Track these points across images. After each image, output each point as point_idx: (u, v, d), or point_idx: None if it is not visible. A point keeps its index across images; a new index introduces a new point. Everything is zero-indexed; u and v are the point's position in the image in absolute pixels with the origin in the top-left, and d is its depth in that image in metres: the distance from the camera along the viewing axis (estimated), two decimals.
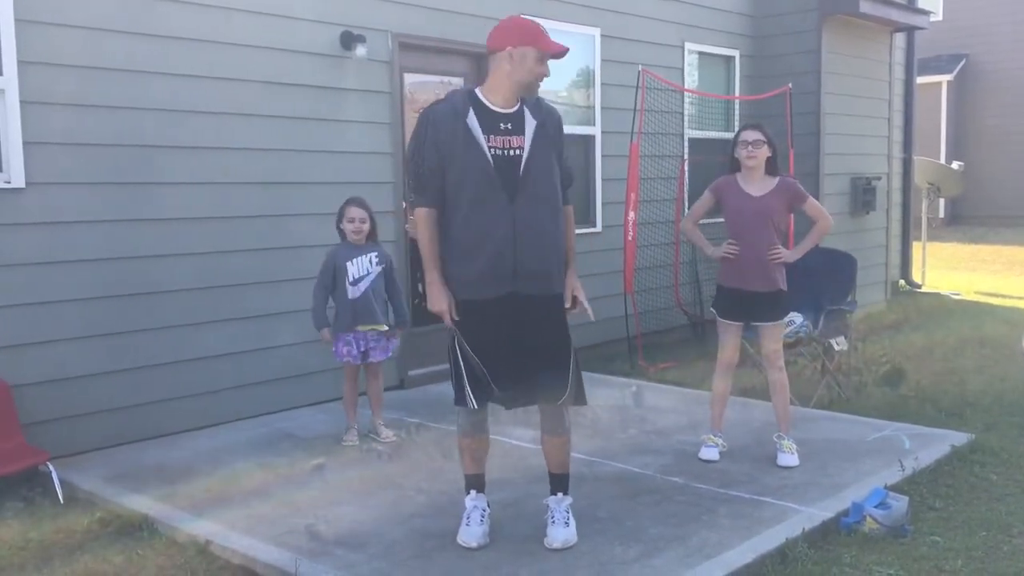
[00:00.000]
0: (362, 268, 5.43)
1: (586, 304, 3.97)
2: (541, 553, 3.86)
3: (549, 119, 3.87)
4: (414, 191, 3.90)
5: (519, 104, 3.83)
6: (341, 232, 5.50)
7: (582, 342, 3.99)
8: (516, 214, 3.73)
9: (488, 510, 4.05)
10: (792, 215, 5.51)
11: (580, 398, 3.97)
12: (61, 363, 5.22)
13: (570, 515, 3.99)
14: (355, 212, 5.43)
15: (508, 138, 3.75)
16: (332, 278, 5.44)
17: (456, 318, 3.80)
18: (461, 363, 3.87)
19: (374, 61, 6.55)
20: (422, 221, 3.86)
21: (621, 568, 3.71)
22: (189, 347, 5.74)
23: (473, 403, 3.88)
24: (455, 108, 3.77)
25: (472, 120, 3.74)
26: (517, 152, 3.75)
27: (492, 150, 3.73)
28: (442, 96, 3.94)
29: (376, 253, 5.49)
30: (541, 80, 3.84)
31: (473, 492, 4.06)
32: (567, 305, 3.94)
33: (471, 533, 3.94)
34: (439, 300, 3.82)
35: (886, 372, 7.17)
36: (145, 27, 5.47)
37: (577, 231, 4.08)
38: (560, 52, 3.84)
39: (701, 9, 9.20)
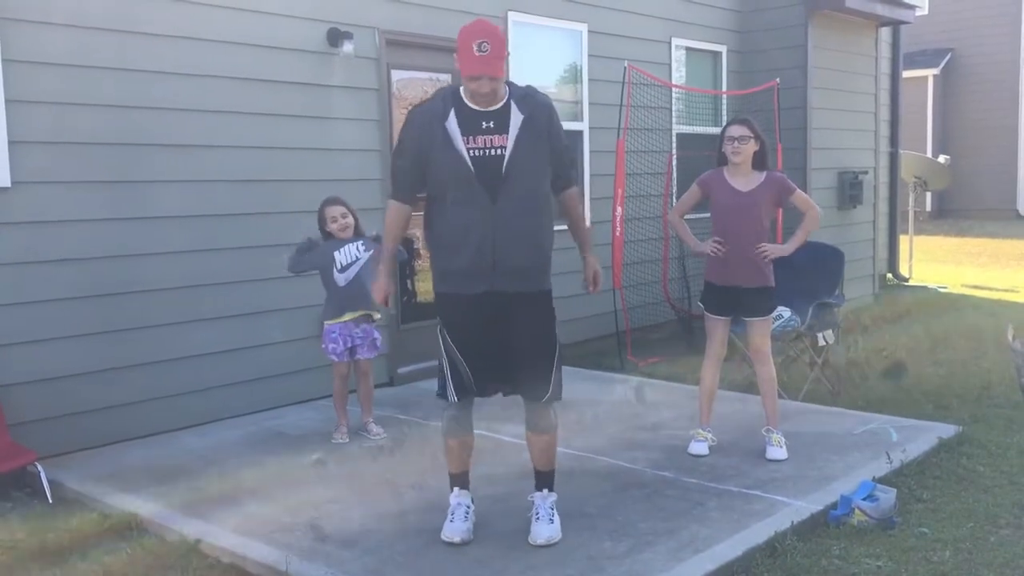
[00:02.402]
0: (350, 255, 5.43)
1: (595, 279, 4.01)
2: (530, 548, 3.87)
3: (537, 110, 3.80)
4: (391, 183, 4.02)
5: (505, 99, 3.77)
6: (326, 234, 5.50)
7: (570, 338, 4.01)
8: (497, 214, 3.72)
9: (472, 507, 4.05)
10: (780, 209, 5.53)
11: (556, 395, 3.98)
12: (48, 363, 5.20)
13: (555, 512, 4.00)
14: (334, 210, 5.43)
15: (490, 137, 3.72)
16: (307, 255, 5.44)
17: (390, 308, 3.89)
18: (444, 357, 3.89)
19: (361, 58, 6.54)
20: (389, 212, 4.00)
21: (611, 562, 3.72)
22: (177, 346, 5.72)
23: (453, 397, 3.90)
24: (436, 111, 3.76)
25: (451, 123, 3.72)
26: (499, 151, 3.72)
27: (472, 151, 3.70)
28: (429, 94, 3.94)
29: (362, 241, 5.49)
30: (480, 92, 3.66)
31: (456, 489, 4.06)
32: (589, 286, 3.97)
33: (455, 529, 3.95)
34: (379, 290, 3.99)
35: (887, 367, 7.19)
36: (130, 24, 5.44)
37: (564, 227, 4.07)
38: (466, 75, 3.65)
39: (688, 5, 9.21)
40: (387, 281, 4.00)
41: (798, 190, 5.14)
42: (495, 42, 3.63)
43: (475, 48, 3.59)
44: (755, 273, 5.03)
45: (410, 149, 3.84)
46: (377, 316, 5.54)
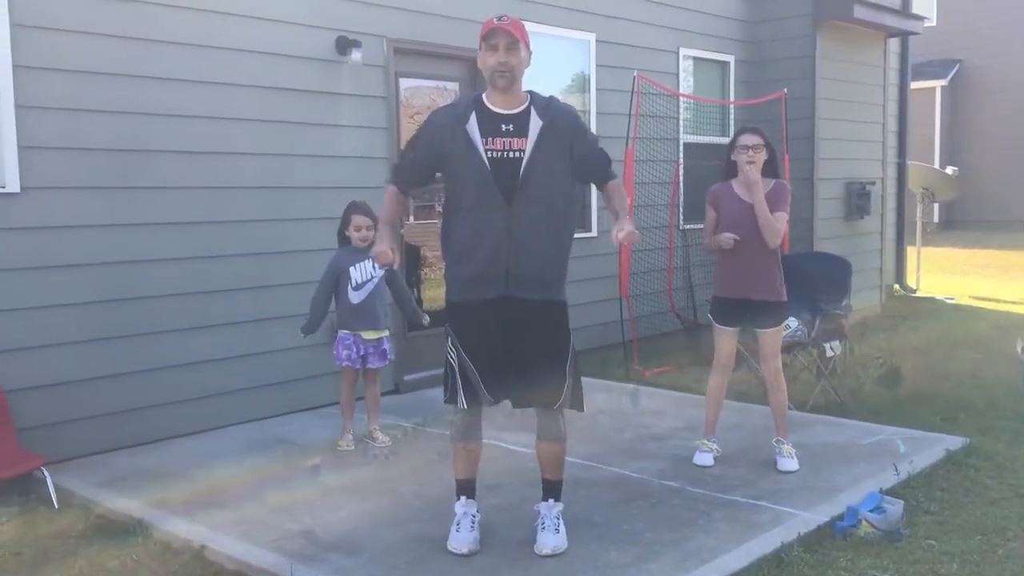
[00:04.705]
0: (365, 273, 5.43)
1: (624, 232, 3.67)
2: (537, 558, 3.85)
3: (559, 117, 3.81)
4: (392, 171, 4.04)
5: (526, 105, 3.80)
6: (344, 238, 5.49)
7: (577, 347, 3.99)
8: (512, 217, 3.72)
9: (478, 516, 4.03)
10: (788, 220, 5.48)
11: (577, 403, 3.96)
12: (56, 368, 5.21)
13: (560, 522, 3.98)
14: (361, 220, 5.41)
15: (509, 140, 3.74)
16: (334, 287, 5.43)
17: (396, 261, 3.75)
18: (455, 363, 3.88)
19: (369, 66, 6.56)
20: (386, 197, 4.02)
21: (617, 572, 3.71)
22: (184, 352, 5.73)
23: (463, 403, 3.88)
24: (457, 114, 3.81)
25: (472, 124, 3.75)
26: (517, 154, 3.74)
27: (490, 153, 3.73)
28: (436, 102, 3.96)
29: None
30: (496, 71, 3.73)
31: (463, 498, 4.04)
32: (617, 236, 3.69)
33: (461, 539, 3.93)
34: (380, 242, 3.77)
35: (882, 374, 7.16)
36: (140, 31, 5.46)
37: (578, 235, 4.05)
38: (483, 33, 3.75)
39: (696, 15, 9.22)
40: (389, 242, 3.77)
41: (785, 212, 4.98)
42: (516, 21, 3.75)
43: (495, 19, 3.74)
44: (767, 286, 4.99)
45: (423, 144, 3.88)
46: (386, 333, 5.56)
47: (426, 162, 3.88)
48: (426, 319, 5.81)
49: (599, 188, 4.02)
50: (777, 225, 4.91)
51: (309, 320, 5.45)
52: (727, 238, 4.94)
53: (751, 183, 4.89)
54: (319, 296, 5.46)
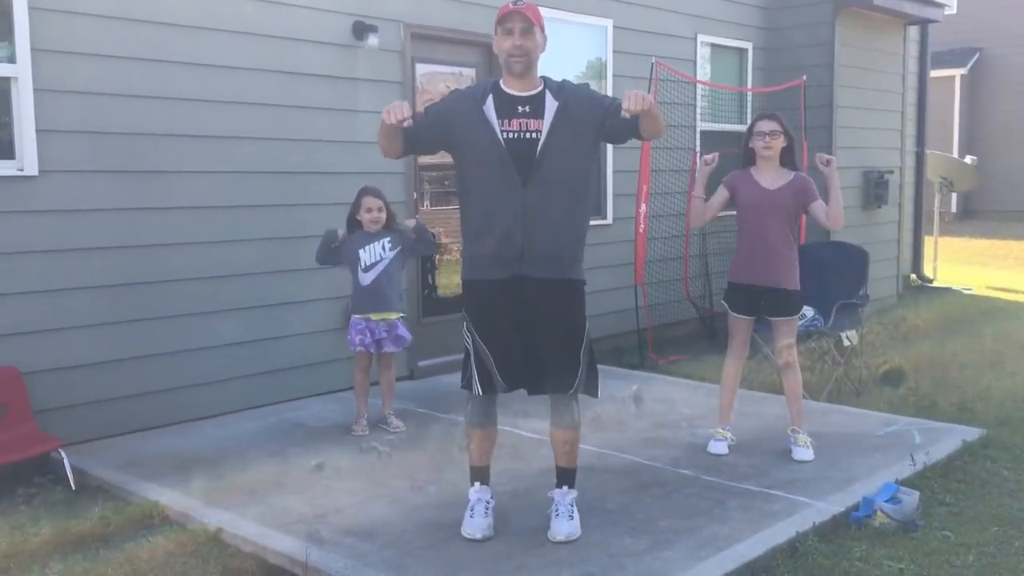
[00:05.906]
0: (374, 254, 5.44)
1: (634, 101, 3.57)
2: (551, 544, 3.86)
3: (572, 98, 3.81)
4: None
5: (540, 88, 3.82)
6: (355, 222, 5.50)
7: (592, 334, 3.98)
8: (527, 197, 3.72)
9: (492, 502, 4.04)
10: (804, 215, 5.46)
11: (591, 389, 3.96)
12: (73, 350, 5.24)
13: (574, 509, 3.99)
14: (372, 202, 5.44)
15: (525, 121, 3.76)
16: (330, 252, 5.48)
17: (408, 117, 3.63)
18: (470, 349, 3.89)
19: (386, 51, 6.54)
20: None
21: (631, 560, 3.71)
22: (200, 335, 5.75)
23: (478, 389, 3.89)
24: (475, 96, 3.83)
25: (488, 106, 3.77)
26: (534, 135, 3.75)
27: (506, 134, 3.74)
28: (455, 87, 3.94)
29: (390, 238, 5.50)
30: (512, 55, 3.74)
31: (477, 484, 4.05)
32: (625, 105, 3.61)
33: (475, 525, 3.94)
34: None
35: (885, 372, 7.12)
36: (157, 15, 5.47)
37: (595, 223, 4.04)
38: (499, 17, 3.76)
39: (714, 1, 9.16)
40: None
41: (820, 200, 4.98)
42: (531, 5, 3.76)
43: (511, 3, 3.75)
44: (781, 274, 4.97)
45: (436, 111, 3.89)
46: (399, 315, 5.56)
47: (435, 127, 3.84)
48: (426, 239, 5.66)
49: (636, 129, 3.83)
50: (837, 210, 4.92)
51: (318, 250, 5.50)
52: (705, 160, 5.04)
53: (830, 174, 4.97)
54: (319, 251, 5.51)
